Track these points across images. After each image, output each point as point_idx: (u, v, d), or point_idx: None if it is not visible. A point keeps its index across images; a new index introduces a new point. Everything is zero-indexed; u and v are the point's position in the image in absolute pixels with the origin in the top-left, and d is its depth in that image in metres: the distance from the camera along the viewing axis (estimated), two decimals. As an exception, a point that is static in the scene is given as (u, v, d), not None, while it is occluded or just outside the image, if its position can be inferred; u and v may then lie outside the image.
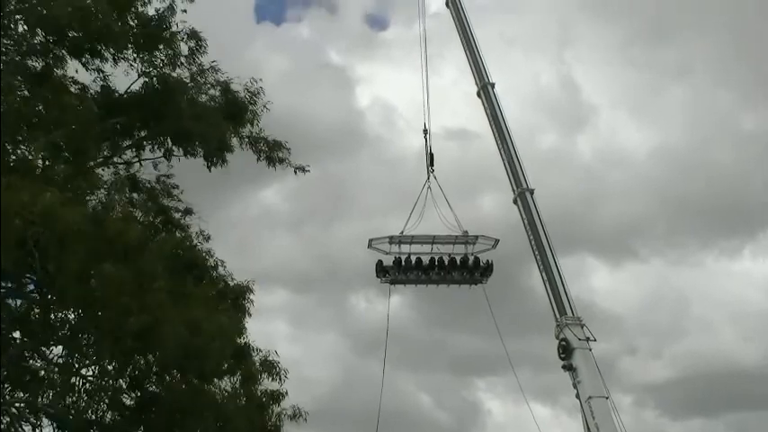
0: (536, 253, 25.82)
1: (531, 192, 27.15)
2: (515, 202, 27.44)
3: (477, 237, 29.68)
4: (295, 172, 17.56)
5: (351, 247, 56.58)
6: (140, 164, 16.47)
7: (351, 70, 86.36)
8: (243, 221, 57.03)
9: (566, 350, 23.26)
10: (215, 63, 16.04)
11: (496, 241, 29.70)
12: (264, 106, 16.67)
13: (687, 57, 71.92)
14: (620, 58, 74.52)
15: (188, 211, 17.04)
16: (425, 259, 29.22)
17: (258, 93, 16.43)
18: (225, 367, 14.68)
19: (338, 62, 73.81)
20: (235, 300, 16.64)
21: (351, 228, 61.17)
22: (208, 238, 17.15)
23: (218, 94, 16.31)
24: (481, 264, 29.15)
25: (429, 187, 30.27)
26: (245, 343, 16.46)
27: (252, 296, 17.13)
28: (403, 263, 28.98)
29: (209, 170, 16.57)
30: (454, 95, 66.03)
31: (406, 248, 29.61)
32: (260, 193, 67.22)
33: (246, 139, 16.97)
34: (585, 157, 67.91)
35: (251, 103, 16.60)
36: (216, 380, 14.85)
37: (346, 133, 64.45)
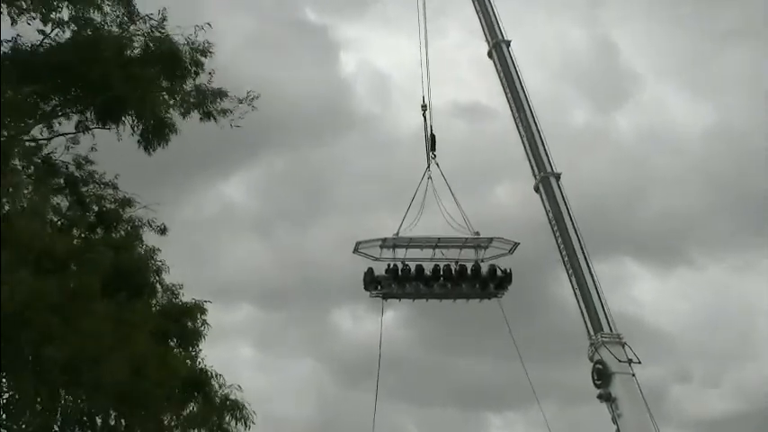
0: (564, 255, 25.96)
1: (557, 177, 27.17)
2: (537, 189, 27.52)
3: (491, 239, 29.66)
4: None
5: (333, 253, 55.99)
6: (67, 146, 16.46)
7: (333, 32, 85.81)
8: (196, 222, 56.50)
9: (602, 375, 23.21)
10: (154, 15, 16.10)
11: (515, 245, 29.65)
12: (207, 51, 16.42)
13: (750, 15, 69.48)
14: (668, 16, 75.32)
15: (126, 203, 17.08)
16: (427, 268, 29.20)
17: (206, 51, 16.46)
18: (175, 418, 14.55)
19: (317, 22, 72.59)
20: (182, 323, 16.40)
21: (333, 228, 60.64)
22: (163, 231, 16.78)
23: (154, 47, 16.14)
24: (497, 273, 29.15)
25: (430, 177, 30.16)
26: (201, 374, 16.26)
27: (205, 318, 16.94)
28: (399, 272, 28.89)
29: (149, 153, 16.25)
30: (462, 62, 64.96)
31: (402, 254, 29.60)
32: (218, 185, 67.75)
33: (188, 99, 16.81)
34: (625, 139, 66.60)
35: (198, 58, 16.50)
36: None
37: (327, 111, 63.28)
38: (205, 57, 16.73)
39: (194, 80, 16.58)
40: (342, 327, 62.45)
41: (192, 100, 16.74)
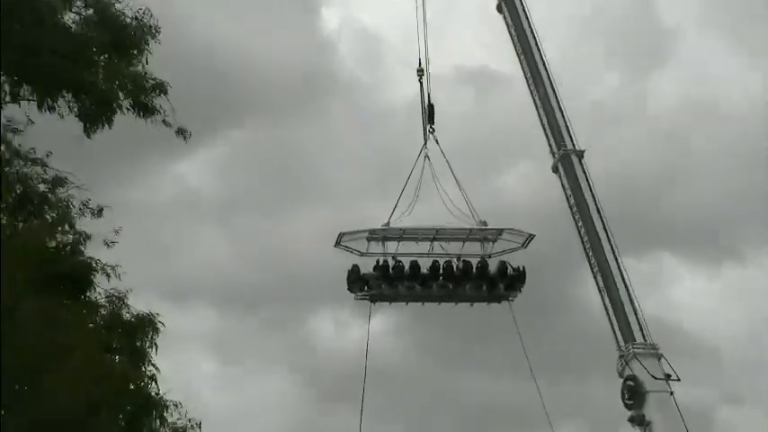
0: (588, 249, 26.09)
1: (580, 155, 27.28)
2: (555, 170, 27.58)
3: (500, 230, 29.79)
4: (177, 133, 17.43)
5: (311, 247, 54.74)
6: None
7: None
8: (148, 208, 54.66)
9: (634, 394, 23.38)
10: None
11: (529, 237, 29.71)
12: (154, 30, 16.72)
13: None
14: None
15: (58, 182, 16.91)
16: (424, 264, 29.30)
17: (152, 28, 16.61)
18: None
19: (295, -29, 72.40)
20: (131, 337, 16.19)
21: (311, 217, 59.80)
22: (97, 213, 16.59)
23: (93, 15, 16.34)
24: (508, 271, 29.27)
25: (427, 156, 30.30)
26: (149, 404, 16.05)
27: (155, 337, 16.72)
28: (390, 270, 29.03)
29: (89, 136, 16.23)
30: (467, 17, 64.23)
31: (393, 248, 29.76)
32: (175, 165, 65.43)
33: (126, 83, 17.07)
34: (663, 108, 62.79)
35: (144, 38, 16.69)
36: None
37: (306, 77, 61.71)
38: (153, 38, 17.12)
39: (138, 60, 16.87)
40: (321, 335, 61.27)
41: (129, 86, 16.90)
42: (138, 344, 16.32)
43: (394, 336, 51.50)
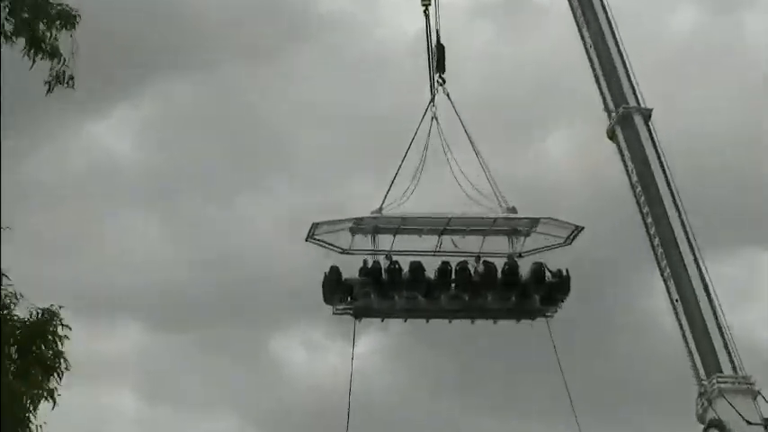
0: (656, 246, 25.97)
1: (647, 115, 27.18)
2: (612, 135, 27.47)
3: (536, 220, 29.75)
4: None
5: (274, 241, 55.17)
6: None
7: None
8: (47, 187, 54.34)
9: None
10: None
11: (576, 231, 29.69)
12: None
13: None
14: None
15: None
16: (430, 266, 29.08)
17: None
18: None
19: None
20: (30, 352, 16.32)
21: (275, 200, 59.19)
22: None
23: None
24: (546, 276, 29.28)
25: (435, 117, 30.26)
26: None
27: (61, 349, 16.82)
28: (383, 273, 28.87)
29: None
30: None
31: (387, 243, 29.54)
32: (87, 126, 64.59)
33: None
34: (756, 58, 59.64)
35: None
36: None
37: (268, 9, 60.94)
38: None
39: None
40: (287, 362, 60.45)
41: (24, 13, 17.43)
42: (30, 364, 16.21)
43: (387, 363, 51.66)
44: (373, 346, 46.33)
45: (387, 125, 49.10)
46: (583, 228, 29.68)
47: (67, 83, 17.72)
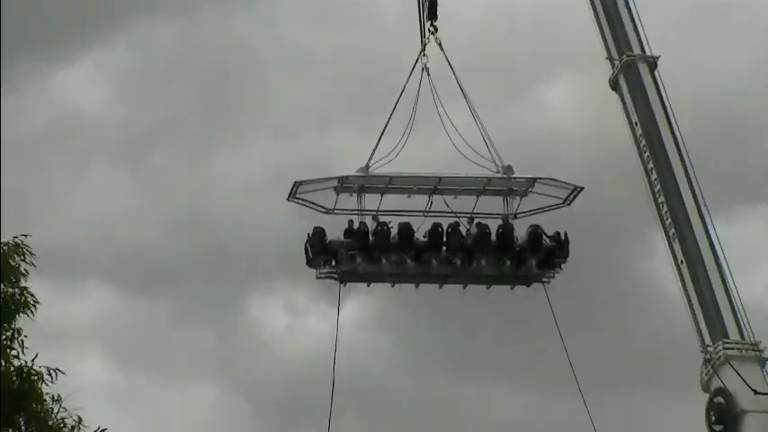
0: (660, 204, 26.27)
1: (652, 63, 27.40)
2: (615, 86, 27.71)
3: (533, 180, 29.93)
4: None
5: (253, 199, 55.05)
6: None
7: None
8: (13, 139, 50.97)
9: (725, 415, 23.71)
10: None
11: (575, 191, 29.87)
12: None
13: None
14: None
15: None
16: (420, 228, 29.22)
17: None
18: None
19: None
20: None
21: (253, 155, 59.30)
22: None
23: None
24: (544, 239, 29.35)
25: (426, 68, 30.35)
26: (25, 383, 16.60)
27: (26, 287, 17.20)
28: (370, 235, 29.03)
29: None
30: None
31: (374, 203, 29.79)
32: (55, 75, 67.58)
33: None
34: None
35: None
36: None
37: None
38: None
39: None
40: (267, 328, 60.43)
41: None
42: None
43: (374, 331, 52.83)
44: (359, 312, 47.17)
45: (375, 73, 49.59)
46: (582, 188, 29.74)
47: None
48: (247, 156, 59.72)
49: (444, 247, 29.11)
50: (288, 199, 29.36)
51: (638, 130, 27.08)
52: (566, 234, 29.32)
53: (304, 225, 29.49)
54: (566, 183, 29.95)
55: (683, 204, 26.03)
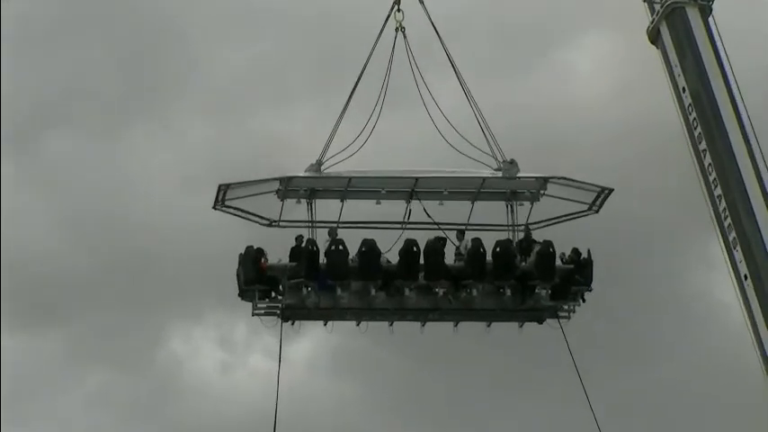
0: (716, 196, 26.40)
1: (707, 6, 27.45)
2: (655, 38, 27.89)
3: (544, 180, 29.80)
4: None
5: (177, 198, 54.69)
6: None
7: None
8: None
9: None
10: None
11: (603, 193, 29.95)
12: None
13: None
14: None
15: None
16: (388, 245, 28.95)
17: None
18: None
19: None
20: None
21: (181, 138, 59.10)
22: None
23: None
24: (559, 259, 29.11)
25: (400, 27, 30.73)
26: None
27: None
28: (323, 256, 28.60)
29: None
30: None
31: (329, 210, 29.68)
32: None
33: None
34: None
35: None
36: None
37: None
38: None
39: None
40: (197, 367, 59.53)
41: None
42: None
43: (332, 374, 52.74)
44: (313, 350, 48.16)
45: (332, 37, 50.53)
46: (611, 190, 29.53)
47: None
48: (173, 141, 58.79)
49: (423, 273, 28.42)
50: (214, 207, 29.12)
51: (687, 99, 26.73)
52: (588, 253, 29.06)
53: (247, 235, 29.48)
54: (588, 183, 29.40)
55: (747, 197, 25.58)
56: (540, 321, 29.34)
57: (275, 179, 28.92)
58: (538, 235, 30.19)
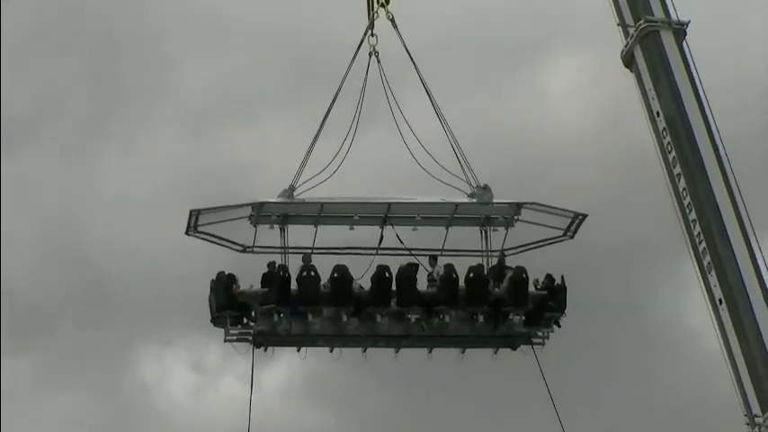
0: (691, 220, 26.71)
1: (680, 31, 27.68)
2: (629, 61, 28.20)
3: (518, 206, 30.22)
4: None
5: (146, 217, 55.02)
6: None
7: None
8: None
9: None
10: None
11: (576, 219, 30.54)
12: None
13: None
14: None
15: None
16: (360, 271, 29.43)
17: None
18: None
19: None
20: None
21: (152, 155, 58.68)
22: None
23: None
24: (533, 286, 29.59)
25: (374, 51, 31.42)
26: None
27: None
28: (296, 282, 29.06)
29: None
30: None
31: (303, 236, 29.98)
32: None
33: None
34: None
35: None
36: None
37: None
38: None
39: None
40: (167, 391, 60.28)
41: None
42: None
43: (307, 400, 53.44)
44: (287, 376, 48.73)
45: (303, 60, 51.34)
46: (585, 216, 29.96)
47: None
48: (144, 158, 58.66)
49: (395, 300, 28.93)
50: (186, 233, 29.41)
51: (661, 123, 27.14)
52: (562, 279, 29.41)
53: (220, 256, 29.90)
54: (561, 209, 29.92)
55: (722, 221, 26.03)
56: (514, 348, 29.67)
57: (247, 204, 29.31)
58: (512, 261, 30.23)
